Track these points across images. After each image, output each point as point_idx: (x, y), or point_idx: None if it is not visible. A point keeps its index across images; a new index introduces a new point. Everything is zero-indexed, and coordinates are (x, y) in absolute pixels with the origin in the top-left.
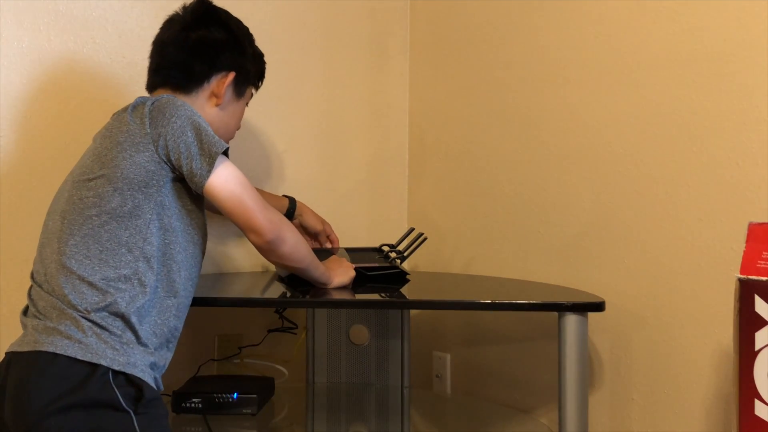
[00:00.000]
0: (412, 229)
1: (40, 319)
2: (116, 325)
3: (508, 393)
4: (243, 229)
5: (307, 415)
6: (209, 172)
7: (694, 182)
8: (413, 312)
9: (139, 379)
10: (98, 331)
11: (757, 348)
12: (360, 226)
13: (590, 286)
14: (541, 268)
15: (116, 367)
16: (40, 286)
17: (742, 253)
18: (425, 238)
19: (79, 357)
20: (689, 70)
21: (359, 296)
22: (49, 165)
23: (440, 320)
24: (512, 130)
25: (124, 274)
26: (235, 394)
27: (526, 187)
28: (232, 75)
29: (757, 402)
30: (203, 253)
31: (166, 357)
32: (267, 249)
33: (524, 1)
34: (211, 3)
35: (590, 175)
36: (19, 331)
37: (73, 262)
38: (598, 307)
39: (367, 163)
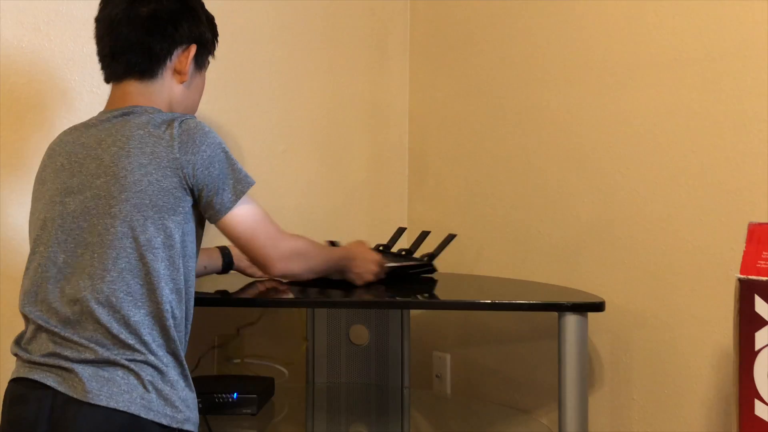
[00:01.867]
0: (403, 229)
1: (82, 363)
2: (170, 366)
3: (508, 393)
4: (253, 263)
5: (307, 415)
6: (229, 209)
7: (694, 182)
8: (413, 312)
9: None
10: (159, 384)
11: (757, 348)
12: (360, 226)
13: (590, 286)
14: (541, 268)
15: (175, 426)
16: (63, 324)
17: (742, 253)
18: (454, 236)
19: (142, 415)
20: (689, 70)
21: (359, 296)
22: None
23: (440, 320)
24: (512, 130)
25: (167, 309)
26: (235, 394)
27: (526, 187)
28: (193, 48)
29: (757, 402)
30: None
31: None
32: (278, 277)
33: (524, 2)
34: None
35: (590, 175)
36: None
37: (114, 300)
38: (598, 307)
39: (367, 164)
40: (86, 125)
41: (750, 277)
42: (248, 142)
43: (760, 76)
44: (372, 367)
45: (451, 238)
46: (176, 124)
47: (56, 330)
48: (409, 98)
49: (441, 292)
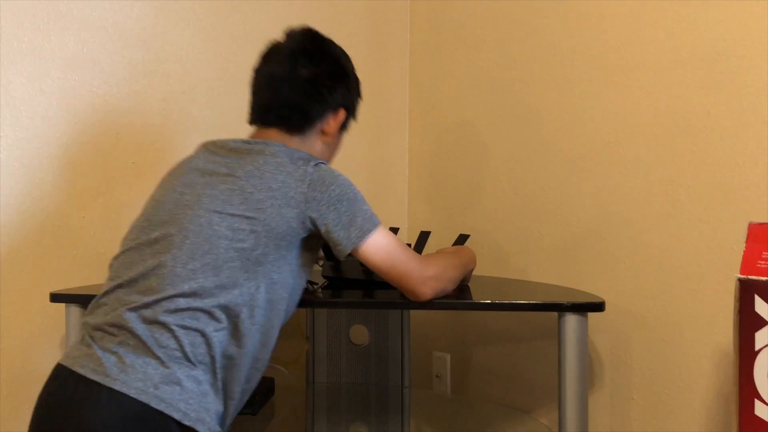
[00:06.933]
0: (396, 230)
1: (149, 356)
2: (200, 367)
3: (508, 393)
4: (401, 291)
5: (307, 415)
6: (355, 244)
7: (694, 182)
8: (413, 312)
9: None
10: (183, 379)
11: (757, 348)
12: None
13: (590, 286)
14: (541, 268)
15: (187, 422)
16: (141, 308)
17: (742, 253)
18: (467, 236)
19: (153, 405)
20: (689, 70)
21: (359, 296)
22: (49, 165)
23: (440, 320)
24: (512, 130)
25: (232, 316)
26: None
27: (526, 186)
28: (342, 114)
29: (757, 402)
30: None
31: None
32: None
33: (524, 2)
34: (318, 33)
35: (590, 175)
36: (22, 333)
37: (186, 287)
38: (598, 307)
39: (366, 164)
40: (231, 141)
41: (750, 277)
42: None
43: (760, 76)
44: (372, 367)
45: (464, 238)
46: (312, 163)
47: (120, 295)
48: (409, 98)
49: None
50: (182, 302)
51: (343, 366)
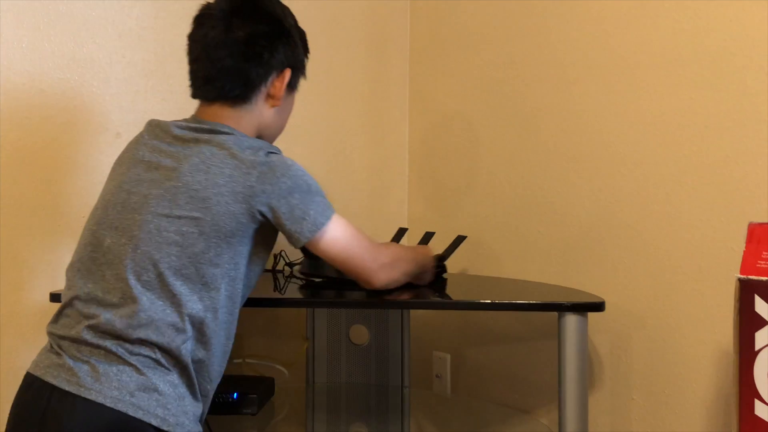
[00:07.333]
0: (404, 230)
1: (123, 364)
2: (175, 371)
3: (508, 393)
4: (355, 279)
5: (307, 415)
6: (308, 238)
7: (694, 182)
8: (413, 312)
9: None
10: (159, 384)
11: (757, 348)
12: (360, 226)
13: (590, 286)
14: (541, 268)
15: (165, 428)
16: (103, 323)
17: (742, 253)
18: (464, 237)
19: (130, 413)
20: (689, 70)
21: (359, 296)
22: (49, 165)
23: (440, 320)
24: (512, 130)
25: (195, 322)
26: (235, 394)
27: (526, 187)
28: (288, 73)
29: (757, 402)
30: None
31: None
32: (380, 288)
33: (524, 2)
34: None
35: (590, 175)
36: (22, 333)
37: (144, 299)
38: (598, 307)
39: (367, 164)
40: (176, 126)
41: (750, 277)
42: None
43: (760, 76)
44: (372, 367)
45: (461, 239)
46: (261, 153)
47: (79, 308)
48: (409, 98)
49: (441, 293)
50: (143, 317)
51: (343, 366)
